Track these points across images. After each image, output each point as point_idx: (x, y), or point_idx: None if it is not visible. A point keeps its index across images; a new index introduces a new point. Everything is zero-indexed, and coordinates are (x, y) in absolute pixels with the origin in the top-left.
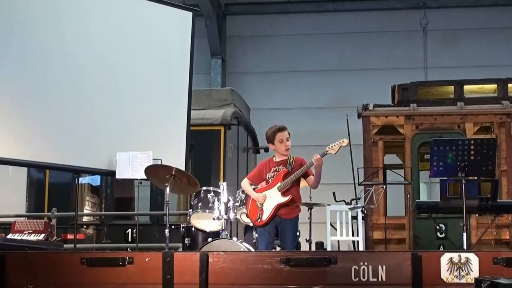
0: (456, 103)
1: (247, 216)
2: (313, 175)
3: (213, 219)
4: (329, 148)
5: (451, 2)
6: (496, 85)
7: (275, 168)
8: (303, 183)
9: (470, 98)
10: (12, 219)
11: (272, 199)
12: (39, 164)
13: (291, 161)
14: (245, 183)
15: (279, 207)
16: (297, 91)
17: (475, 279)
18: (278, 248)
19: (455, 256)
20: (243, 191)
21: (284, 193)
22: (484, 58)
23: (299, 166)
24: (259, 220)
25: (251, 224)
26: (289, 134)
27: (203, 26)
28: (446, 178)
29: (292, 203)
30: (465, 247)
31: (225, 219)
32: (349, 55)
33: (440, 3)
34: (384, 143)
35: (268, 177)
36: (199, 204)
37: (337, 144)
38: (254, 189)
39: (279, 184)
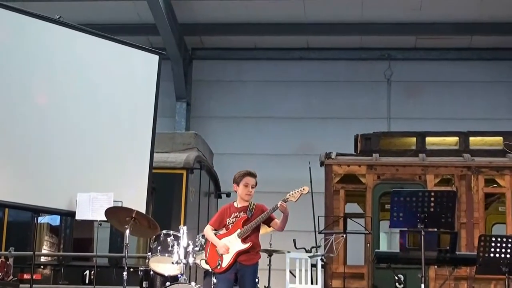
0: (417, 154)
1: (206, 263)
2: (277, 220)
3: (172, 263)
4: (289, 195)
5: (415, 54)
6: (457, 138)
7: (235, 214)
8: (264, 229)
9: (432, 150)
10: None
11: (232, 245)
12: None
13: (251, 207)
14: (208, 231)
15: (239, 254)
16: (261, 137)
17: None
18: None
19: None
20: (203, 236)
21: (244, 240)
22: (446, 111)
23: (260, 212)
24: (218, 267)
25: (210, 270)
26: (256, 184)
27: (169, 69)
28: (405, 229)
29: (252, 249)
30: None
31: (184, 264)
32: (314, 103)
33: (404, 55)
34: (346, 192)
35: (228, 223)
36: (159, 248)
37: (297, 191)
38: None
39: (239, 230)
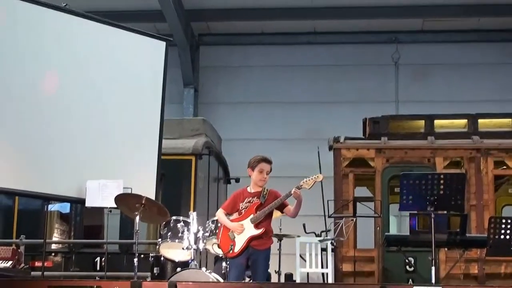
0: (426, 137)
1: (219, 247)
2: (290, 206)
3: (183, 249)
4: (303, 182)
5: (423, 37)
6: (466, 120)
7: (248, 199)
8: (274, 214)
9: (441, 133)
10: None
11: (245, 230)
12: (9, 191)
13: (264, 193)
14: (221, 214)
15: (252, 239)
16: (269, 122)
17: None
18: (247, 279)
19: None
20: (213, 221)
21: (257, 226)
22: (454, 93)
23: (273, 199)
24: (231, 251)
25: (221, 255)
26: (271, 170)
27: (176, 55)
28: (415, 212)
29: (264, 234)
30: (433, 281)
31: (194, 249)
32: (321, 87)
33: (412, 38)
34: (355, 175)
35: (241, 208)
36: (169, 234)
37: (311, 179)
38: None
39: (252, 216)
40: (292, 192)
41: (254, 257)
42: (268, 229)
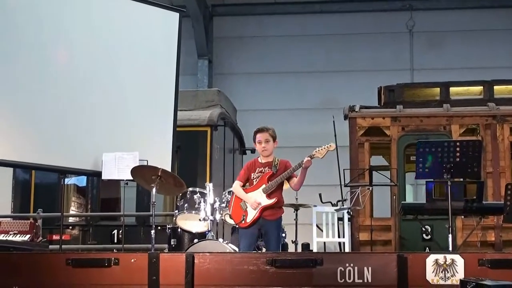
0: (442, 105)
1: (230, 217)
2: (296, 177)
3: (199, 220)
4: (316, 151)
5: (437, 4)
6: (482, 87)
7: (260, 169)
8: (286, 185)
9: (456, 100)
10: None
11: (257, 200)
12: (25, 165)
13: (276, 163)
14: (237, 187)
15: (264, 209)
16: (284, 92)
17: (460, 280)
18: (264, 250)
19: (440, 257)
20: (229, 192)
21: (269, 195)
22: (470, 60)
23: (284, 169)
24: (243, 221)
25: (235, 224)
26: (273, 138)
27: (189, 27)
28: (431, 180)
29: (276, 204)
30: (450, 248)
31: (211, 220)
32: (335, 56)
33: (426, 5)
34: (370, 144)
35: (253, 178)
36: (185, 205)
37: (324, 148)
38: None
39: (264, 186)
40: (304, 161)
41: (266, 228)
42: (280, 199)
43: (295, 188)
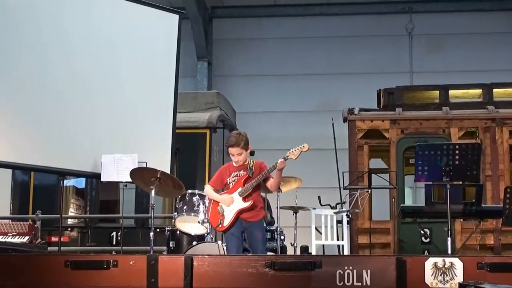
0: (441, 107)
1: (208, 222)
2: (272, 179)
3: (198, 222)
4: (290, 153)
5: (437, 7)
6: (481, 90)
7: (235, 173)
8: (289, 186)
9: (455, 103)
10: None
11: (233, 204)
12: (24, 166)
13: (251, 165)
14: (209, 189)
15: (240, 212)
16: (283, 95)
17: (459, 284)
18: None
19: (439, 261)
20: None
21: (245, 199)
22: (469, 63)
23: (259, 171)
24: (220, 225)
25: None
26: (245, 149)
27: (189, 29)
28: (430, 182)
29: (254, 207)
30: (449, 252)
31: (210, 223)
32: (335, 59)
33: (426, 7)
34: (370, 147)
35: (229, 182)
36: (184, 208)
37: (297, 149)
38: None
39: (240, 189)
40: (278, 163)
41: (250, 230)
42: (257, 201)
43: (272, 189)
